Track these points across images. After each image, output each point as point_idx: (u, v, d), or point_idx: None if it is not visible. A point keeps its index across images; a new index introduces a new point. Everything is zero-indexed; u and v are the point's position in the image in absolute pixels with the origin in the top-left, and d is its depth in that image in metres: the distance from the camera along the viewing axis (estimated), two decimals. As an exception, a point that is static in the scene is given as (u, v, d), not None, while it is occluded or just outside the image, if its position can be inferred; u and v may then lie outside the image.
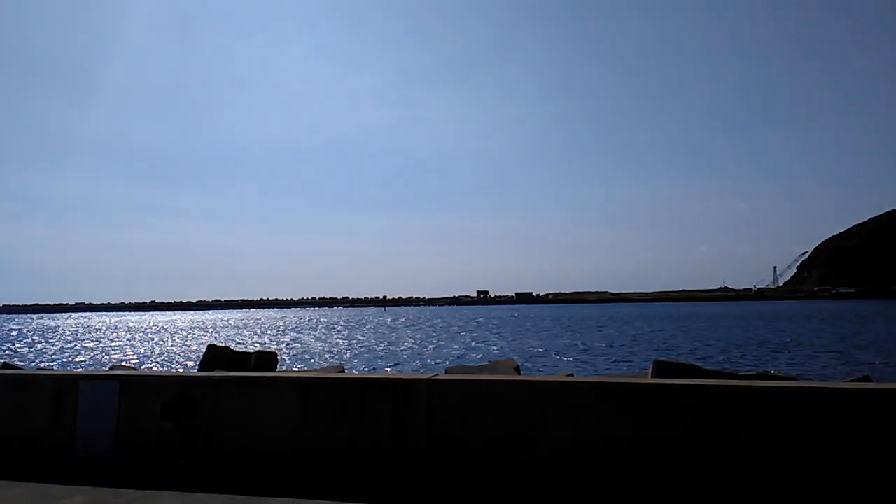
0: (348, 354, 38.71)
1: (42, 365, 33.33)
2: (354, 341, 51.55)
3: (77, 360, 39.10)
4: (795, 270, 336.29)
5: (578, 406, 5.47)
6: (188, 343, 54.08)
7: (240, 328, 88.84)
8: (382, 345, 46.72)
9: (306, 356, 38.18)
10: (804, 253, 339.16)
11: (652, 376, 8.01)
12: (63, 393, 6.96)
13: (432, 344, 46.50)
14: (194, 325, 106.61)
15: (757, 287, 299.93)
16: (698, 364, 8.81)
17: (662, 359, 8.47)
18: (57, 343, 58.11)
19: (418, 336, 57.96)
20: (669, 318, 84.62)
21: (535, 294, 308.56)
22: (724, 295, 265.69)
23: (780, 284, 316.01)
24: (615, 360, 30.82)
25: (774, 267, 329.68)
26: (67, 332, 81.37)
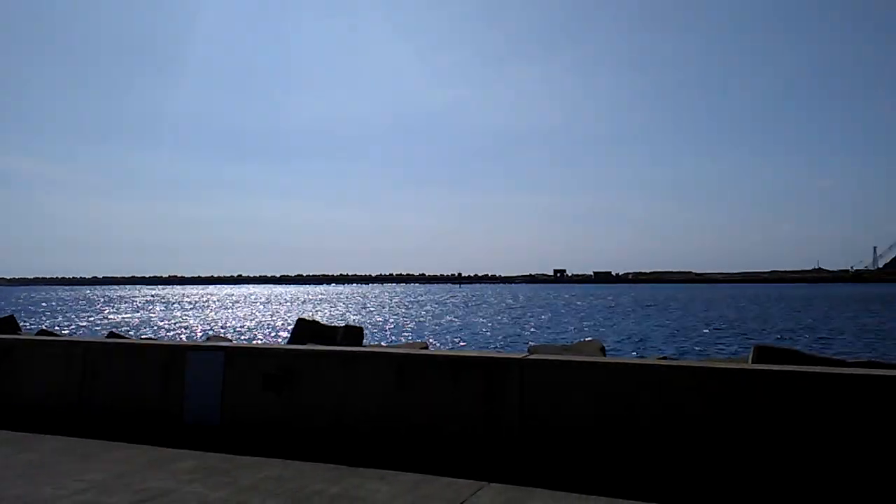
0: (427, 330, 39.27)
1: (145, 335, 35.45)
2: (432, 318, 52.18)
3: (180, 329, 41.44)
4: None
5: (678, 390, 5.32)
6: (277, 315, 56.32)
7: (322, 302, 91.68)
8: (459, 321, 47.10)
9: (387, 331, 39.02)
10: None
11: (752, 362, 7.72)
12: (172, 362, 7.36)
13: (509, 322, 46.47)
14: (280, 298, 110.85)
15: (854, 268, 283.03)
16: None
17: (764, 343, 8.12)
18: (154, 313, 61.72)
19: (491, 313, 58.09)
20: (758, 300, 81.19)
21: (614, 273, 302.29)
22: (819, 276, 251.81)
23: (881, 266, 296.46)
24: (703, 343, 29.91)
25: (874, 247, 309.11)
26: (163, 303, 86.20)
